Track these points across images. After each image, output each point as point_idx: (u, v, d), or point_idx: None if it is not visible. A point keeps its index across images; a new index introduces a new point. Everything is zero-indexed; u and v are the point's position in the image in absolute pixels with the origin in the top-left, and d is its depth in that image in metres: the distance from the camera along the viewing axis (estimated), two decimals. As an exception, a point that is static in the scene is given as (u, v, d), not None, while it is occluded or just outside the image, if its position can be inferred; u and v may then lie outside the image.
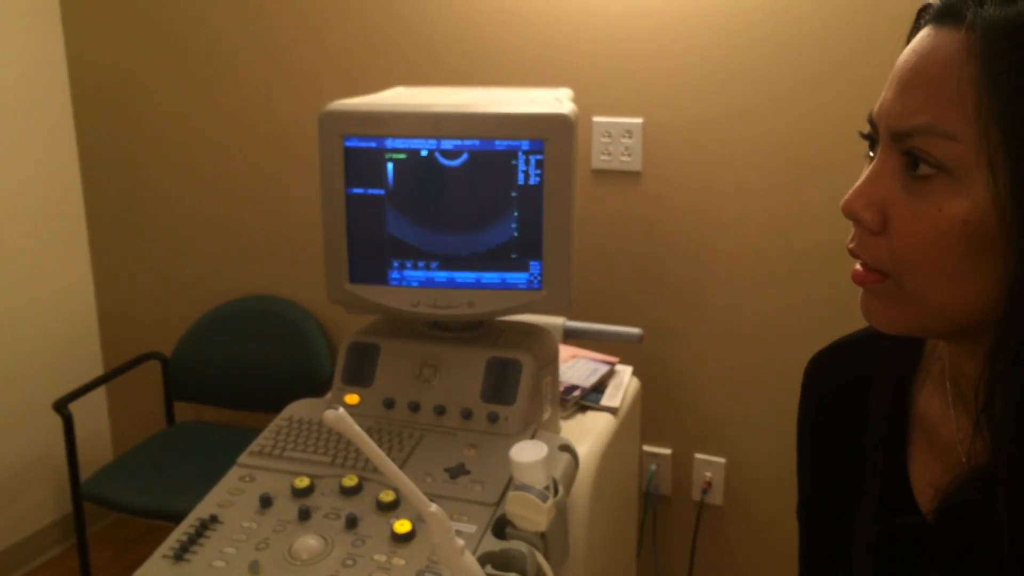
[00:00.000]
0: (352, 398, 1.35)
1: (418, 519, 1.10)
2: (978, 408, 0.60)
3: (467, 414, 1.30)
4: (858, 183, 0.63)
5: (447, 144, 1.26)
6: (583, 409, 1.54)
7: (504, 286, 1.30)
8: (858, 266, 0.64)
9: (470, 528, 1.11)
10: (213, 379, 2.33)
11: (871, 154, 0.64)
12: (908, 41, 0.63)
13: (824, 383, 0.81)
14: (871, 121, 0.63)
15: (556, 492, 1.08)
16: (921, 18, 0.62)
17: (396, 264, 1.31)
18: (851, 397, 0.77)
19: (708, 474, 2.01)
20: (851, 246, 0.64)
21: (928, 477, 0.69)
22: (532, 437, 1.28)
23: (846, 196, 0.63)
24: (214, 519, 1.15)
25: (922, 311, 0.61)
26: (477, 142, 1.26)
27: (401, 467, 1.18)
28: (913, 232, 0.58)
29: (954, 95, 0.56)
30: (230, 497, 1.19)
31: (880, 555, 0.70)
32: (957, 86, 0.56)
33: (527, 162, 1.25)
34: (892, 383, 0.73)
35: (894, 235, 0.60)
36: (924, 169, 0.58)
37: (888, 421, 0.72)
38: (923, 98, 0.58)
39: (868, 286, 0.63)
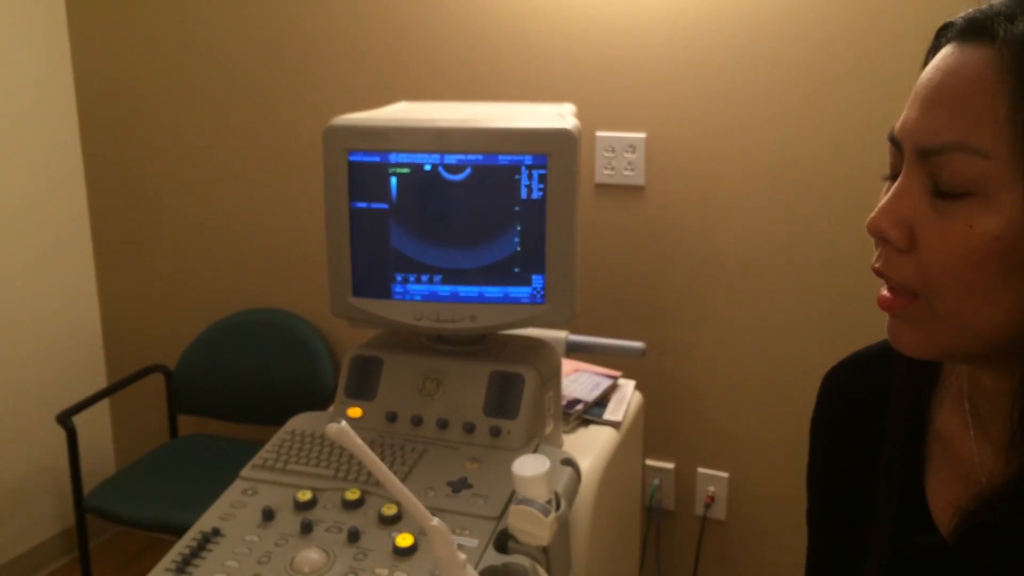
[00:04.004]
0: (355, 411, 1.35)
1: (420, 533, 1.10)
2: (1012, 428, 0.59)
3: (469, 428, 1.30)
4: (883, 201, 0.61)
5: (450, 159, 1.27)
6: (586, 423, 1.54)
7: (507, 300, 1.30)
8: (884, 292, 0.62)
9: (472, 542, 1.11)
10: (217, 392, 2.33)
11: (889, 174, 0.63)
12: (927, 61, 0.62)
13: (841, 395, 0.80)
14: (893, 139, 0.63)
15: (558, 506, 1.08)
16: (942, 36, 0.62)
17: (399, 278, 1.31)
18: (868, 410, 0.76)
19: (711, 488, 2.00)
20: (877, 265, 0.62)
21: (946, 495, 0.68)
22: (534, 451, 1.28)
23: (871, 214, 0.62)
24: (216, 532, 1.15)
25: (953, 332, 0.60)
26: (480, 157, 1.26)
27: (403, 481, 1.18)
28: (943, 250, 0.57)
29: (984, 111, 0.55)
30: (232, 510, 1.19)
31: (895, 573, 0.70)
32: (988, 102, 0.55)
33: (530, 177, 1.26)
34: (910, 399, 0.72)
35: (923, 253, 0.59)
36: (953, 187, 0.57)
37: (905, 437, 0.71)
38: (951, 115, 0.57)
39: (896, 311, 0.62)
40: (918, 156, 0.59)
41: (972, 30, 0.58)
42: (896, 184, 0.61)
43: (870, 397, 0.76)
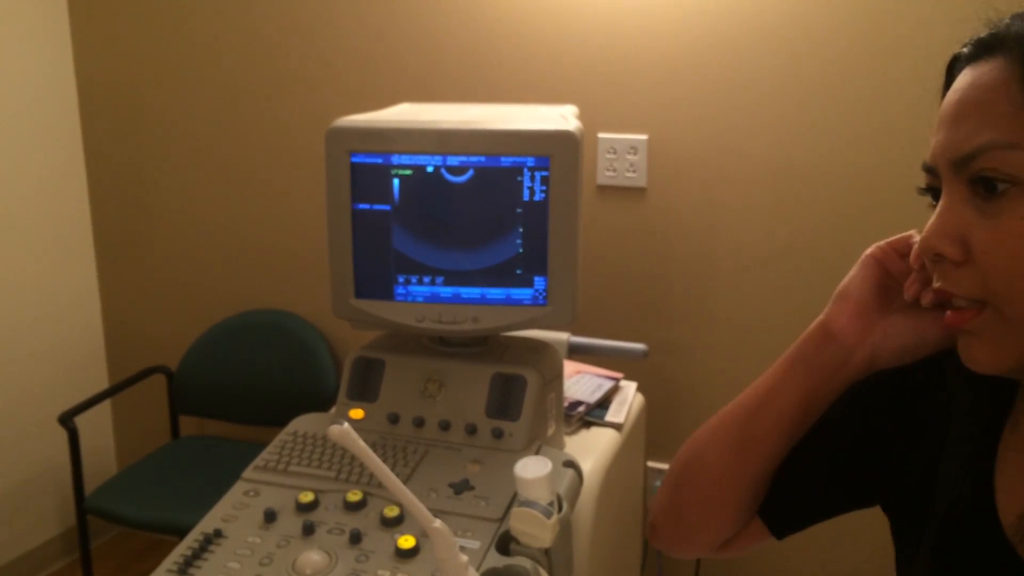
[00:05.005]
0: (357, 413, 1.35)
1: (422, 535, 1.10)
2: None
3: (471, 430, 1.30)
4: (931, 221, 0.63)
5: (453, 160, 1.27)
6: (587, 425, 1.54)
7: (509, 302, 1.30)
8: (949, 312, 0.63)
9: (474, 544, 1.11)
10: (218, 393, 2.33)
11: (933, 203, 0.65)
12: (944, 95, 0.65)
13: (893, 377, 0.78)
14: (928, 169, 0.65)
15: (560, 508, 1.08)
16: (954, 68, 0.65)
17: (401, 279, 1.31)
18: (925, 386, 0.75)
19: (713, 491, 2.00)
20: (938, 285, 0.64)
21: (1015, 500, 0.67)
22: (536, 453, 1.28)
23: (922, 235, 0.63)
24: (218, 534, 1.15)
25: None
26: (483, 158, 1.26)
27: (405, 482, 1.18)
28: (999, 249, 0.58)
29: (1008, 109, 0.58)
30: (234, 512, 1.19)
31: (948, 568, 0.69)
32: (1008, 100, 0.58)
33: (532, 178, 1.26)
34: (990, 395, 0.71)
35: (980, 258, 0.60)
36: (995, 187, 0.58)
37: (979, 434, 0.70)
38: (977, 122, 0.59)
39: (965, 325, 0.62)
40: (954, 169, 0.61)
41: (981, 50, 0.61)
42: (940, 204, 0.63)
43: (927, 374, 0.75)
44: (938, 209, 0.63)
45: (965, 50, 0.64)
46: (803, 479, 0.80)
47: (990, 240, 0.59)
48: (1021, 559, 0.64)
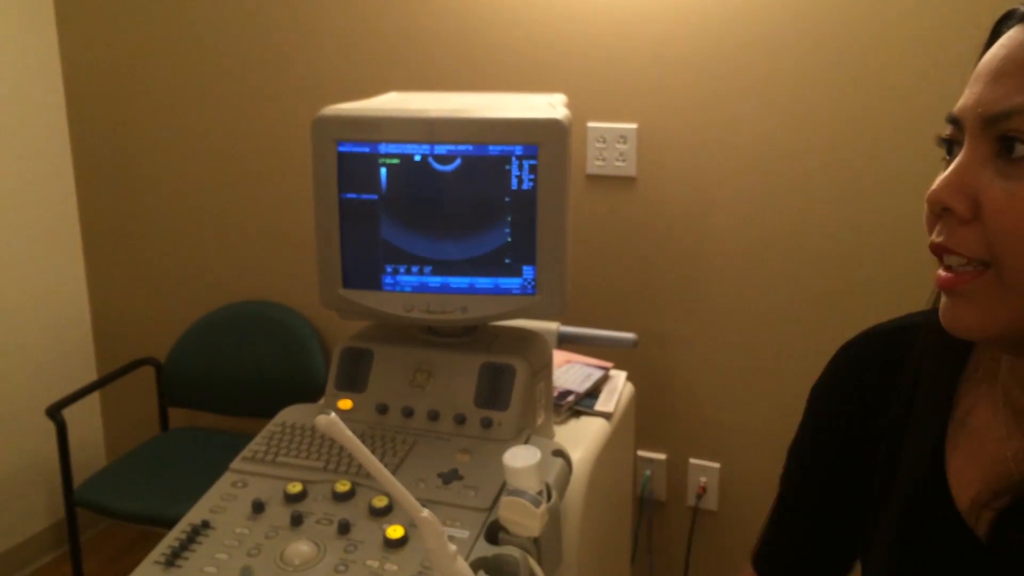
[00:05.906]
0: (345, 403, 1.35)
1: (411, 525, 1.10)
2: None
3: (460, 419, 1.30)
4: (945, 174, 0.61)
5: (441, 149, 1.26)
6: (577, 414, 1.54)
7: (498, 291, 1.29)
8: (941, 271, 0.62)
9: (463, 534, 1.10)
10: (207, 384, 2.32)
11: (947, 158, 0.64)
12: (986, 48, 0.63)
13: (855, 368, 0.79)
14: (953, 120, 0.63)
15: (549, 497, 1.08)
16: (1004, 23, 0.63)
17: (389, 269, 1.31)
18: (881, 385, 0.76)
19: (703, 479, 2.00)
20: (939, 240, 0.62)
21: (969, 481, 0.67)
22: (526, 442, 1.27)
23: (932, 187, 0.61)
24: (206, 525, 1.14)
25: (1016, 306, 0.59)
26: (470, 147, 1.26)
27: (394, 472, 1.18)
28: (1011, 212, 0.57)
29: None
30: (222, 503, 1.19)
31: (908, 552, 0.69)
32: None
33: (521, 167, 1.25)
34: (941, 380, 0.71)
35: (989, 219, 0.58)
36: (1021, 150, 0.57)
37: (931, 418, 0.71)
38: (1018, 82, 0.58)
39: (963, 287, 0.61)
40: (984, 125, 0.59)
41: None
42: (958, 158, 0.61)
43: (883, 371, 0.75)
44: (955, 163, 0.61)
45: (1021, 8, 0.62)
46: (794, 539, 0.82)
47: (1004, 201, 0.58)
48: (980, 540, 0.64)
